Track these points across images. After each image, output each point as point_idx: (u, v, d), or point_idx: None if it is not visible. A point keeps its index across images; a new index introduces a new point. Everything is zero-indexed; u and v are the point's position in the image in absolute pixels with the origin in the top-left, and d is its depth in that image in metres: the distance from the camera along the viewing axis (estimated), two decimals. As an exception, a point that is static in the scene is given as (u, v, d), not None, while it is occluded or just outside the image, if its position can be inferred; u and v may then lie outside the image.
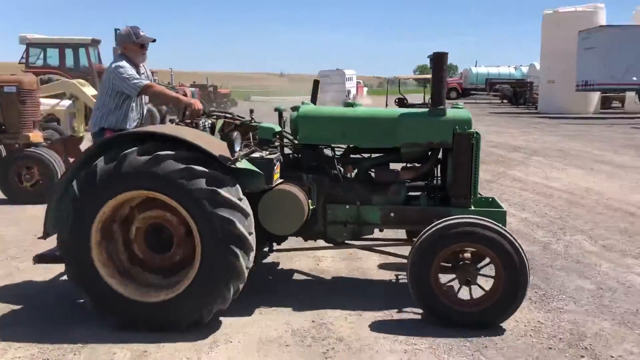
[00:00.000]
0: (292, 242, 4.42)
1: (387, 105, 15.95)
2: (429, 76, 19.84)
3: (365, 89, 51.14)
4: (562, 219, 6.44)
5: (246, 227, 3.43)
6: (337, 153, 4.33)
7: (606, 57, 24.53)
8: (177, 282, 3.58)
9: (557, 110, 28.03)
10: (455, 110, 4.19)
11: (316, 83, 4.98)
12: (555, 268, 4.81)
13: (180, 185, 3.37)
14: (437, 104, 4.07)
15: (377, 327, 3.63)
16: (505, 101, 39.61)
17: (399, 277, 4.60)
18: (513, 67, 47.68)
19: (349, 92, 38.77)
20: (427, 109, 4.17)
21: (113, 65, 4.56)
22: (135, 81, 4.50)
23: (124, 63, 4.54)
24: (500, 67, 48.57)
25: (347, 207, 4.08)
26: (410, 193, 4.25)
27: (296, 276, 4.74)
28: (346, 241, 4.23)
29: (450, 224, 3.58)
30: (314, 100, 4.68)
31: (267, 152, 3.91)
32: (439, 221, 3.66)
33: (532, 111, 31.09)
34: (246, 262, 3.45)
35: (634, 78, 22.97)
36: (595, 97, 29.31)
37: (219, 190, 3.38)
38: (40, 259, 3.99)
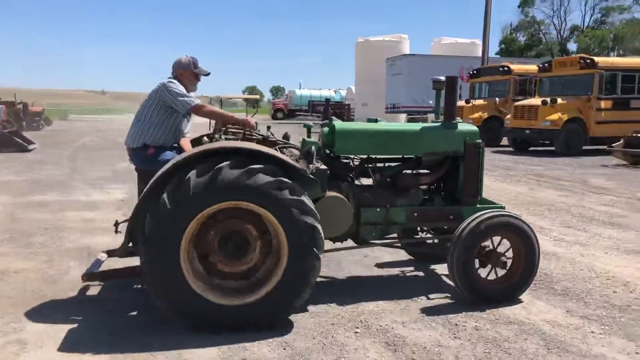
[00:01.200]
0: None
1: (210, 126, 16.22)
2: (255, 96, 20.61)
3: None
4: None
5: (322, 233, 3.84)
6: (355, 163, 4.82)
7: (409, 82, 27.50)
8: (255, 284, 3.89)
9: (371, 129, 30.58)
10: (464, 124, 4.93)
11: (327, 101, 5.59)
12: (346, 260, 5.55)
13: (271, 195, 3.69)
14: (450, 119, 4.78)
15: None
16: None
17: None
18: (333, 90, 50.86)
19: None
20: (441, 123, 4.83)
21: (165, 81, 4.53)
22: (187, 99, 4.47)
23: (176, 82, 4.53)
24: (321, 90, 51.49)
25: (378, 209, 4.60)
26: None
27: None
28: (371, 241, 4.69)
29: (488, 218, 4.31)
30: (326, 116, 5.14)
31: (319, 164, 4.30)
32: (474, 216, 4.34)
33: (350, 131, 33.56)
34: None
35: (431, 102, 26.03)
36: (403, 118, 32.55)
37: (304, 199, 3.77)
38: (89, 277, 4.19)
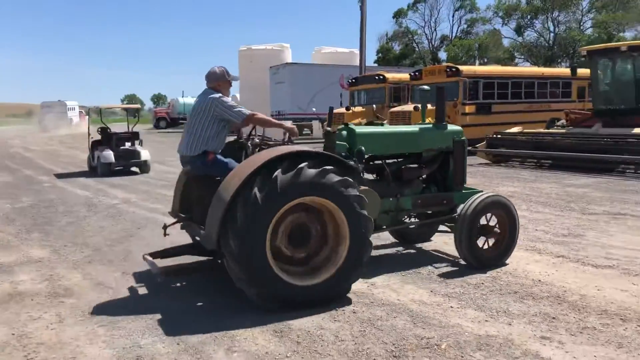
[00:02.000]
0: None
1: (89, 135, 15.78)
2: (136, 106, 20.20)
3: (87, 117, 50.07)
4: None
5: None
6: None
7: (293, 90, 28.18)
8: (316, 268, 4.57)
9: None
10: (452, 125, 6.02)
11: (331, 109, 6.20)
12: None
13: (340, 192, 4.42)
14: (441, 121, 5.84)
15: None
16: (212, 130, 41.71)
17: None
18: (217, 98, 50.49)
19: (71, 120, 45.44)
20: (433, 124, 5.85)
21: (215, 96, 4.89)
22: (240, 109, 4.92)
23: (224, 96, 4.96)
24: (205, 98, 50.91)
25: (391, 199, 5.42)
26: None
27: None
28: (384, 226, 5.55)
29: (484, 199, 5.42)
30: (329, 124, 5.85)
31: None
32: (473, 199, 5.43)
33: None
34: None
35: (314, 109, 26.86)
36: (287, 125, 33.19)
37: (362, 195, 4.56)
38: (167, 273, 4.78)
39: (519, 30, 63.05)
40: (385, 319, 4.23)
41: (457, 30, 69.61)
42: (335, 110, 21.62)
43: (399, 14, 70.84)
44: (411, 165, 5.78)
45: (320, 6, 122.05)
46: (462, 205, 5.51)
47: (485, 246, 5.58)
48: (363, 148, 5.20)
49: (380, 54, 71.50)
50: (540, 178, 12.31)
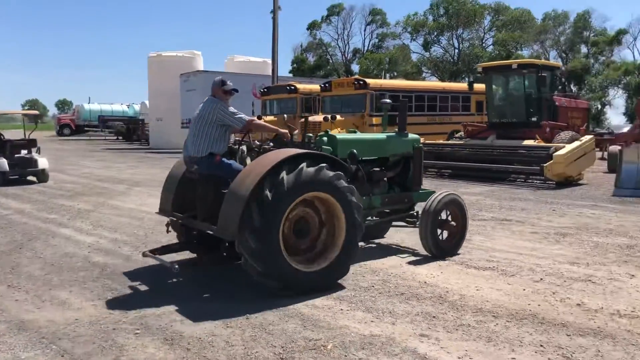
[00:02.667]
0: None
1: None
2: (34, 112, 19.24)
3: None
4: (147, 236, 7.52)
5: None
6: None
7: (204, 98, 27.72)
8: (317, 256, 5.16)
9: (167, 145, 30.25)
10: (412, 134, 6.83)
11: (306, 118, 6.63)
12: (132, 273, 5.74)
13: (334, 185, 5.02)
14: (403, 130, 6.70)
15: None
16: (120, 137, 40.47)
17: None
18: (126, 105, 48.99)
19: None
20: (396, 133, 6.65)
21: (216, 104, 5.41)
22: (241, 116, 5.46)
23: (223, 103, 5.45)
24: (113, 105, 49.26)
25: (364, 197, 5.89)
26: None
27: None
28: None
29: (443, 197, 6.24)
30: (305, 132, 6.16)
31: None
32: (434, 197, 6.24)
33: (145, 147, 32.73)
34: None
35: (224, 117, 26.77)
36: (199, 133, 32.73)
37: (352, 186, 5.20)
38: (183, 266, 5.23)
39: (426, 46, 65.89)
40: (276, 323, 4.34)
41: (368, 44, 71.69)
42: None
43: (313, 26, 71.96)
44: (379, 168, 6.51)
45: (234, 15, 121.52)
46: (425, 203, 6.30)
47: (441, 238, 6.35)
48: (355, 151, 5.95)
49: (295, 65, 72.18)
50: (439, 187, 12.88)
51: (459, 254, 6.40)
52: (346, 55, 73.16)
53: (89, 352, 3.82)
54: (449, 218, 6.38)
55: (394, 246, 6.92)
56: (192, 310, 4.62)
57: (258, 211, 4.64)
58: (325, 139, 5.99)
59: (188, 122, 28.59)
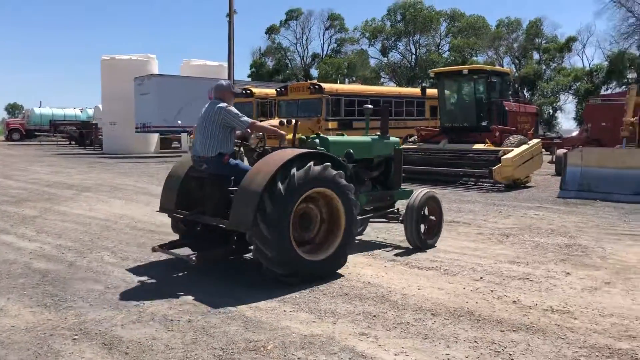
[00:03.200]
0: None
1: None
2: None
3: None
4: (93, 242, 7.39)
5: None
6: None
7: (159, 102, 27.44)
8: (318, 246, 5.66)
9: (121, 150, 29.72)
10: (393, 137, 7.41)
11: (296, 122, 7.02)
12: (75, 279, 5.64)
13: (337, 182, 5.52)
14: (385, 133, 7.28)
15: None
16: (73, 142, 39.52)
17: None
18: (79, 109, 47.89)
19: None
20: (379, 136, 7.23)
21: (223, 106, 5.76)
22: (244, 118, 5.81)
23: (228, 105, 5.80)
24: (66, 109, 48.07)
25: None
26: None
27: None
28: None
29: (424, 194, 6.90)
30: (294, 135, 6.73)
31: None
32: (416, 194, 6.87)
33: (98, 152, 32.07)
34: None
35: (179, 122, 26.42)
36: (155, 137, 32.25)
37: (350, 184, 5.69)
38: (204, 258, 5.58)
39: (384, 51, 66.77)
40: (219, 326, 4.34)
41: (327, 49, 72.10)
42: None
43: (271, 30, 71.95)
44: (365, 168, 7.04)
45: (190, 18, 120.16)
46: (408, 201, 6.90)
47: (425, 230, 6.97)
48: (352, 151, 6.54)
49: (253, 69, 71.99)
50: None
51: (435, 246, 7.07)
52: (305, 60, 73.40)
53: (23, 359, 3.74)
54: (428, 213, 6.99)
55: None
56: (134, 315, 4.58)
57: (271, 203, 5.08)
58: (317, 140, 6.48)
59: (142, 126, 28.23)
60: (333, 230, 5.70)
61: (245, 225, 5.14)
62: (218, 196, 5.84)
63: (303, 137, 6.68)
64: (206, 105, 5.98)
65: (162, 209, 6.36)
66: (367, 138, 7.20)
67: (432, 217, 7.02)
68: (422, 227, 6.93)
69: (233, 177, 5.82)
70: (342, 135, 7.34)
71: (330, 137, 6.67)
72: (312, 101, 19.92)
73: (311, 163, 5.35)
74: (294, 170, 5.21)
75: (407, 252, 6.76)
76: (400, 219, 6.94)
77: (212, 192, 5.91)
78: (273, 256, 5.14)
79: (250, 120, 5.91)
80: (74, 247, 7.04)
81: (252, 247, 5.31)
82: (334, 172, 5.53)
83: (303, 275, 5.35)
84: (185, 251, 5.98)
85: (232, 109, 5.80)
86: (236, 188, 5.49)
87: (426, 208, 6.93)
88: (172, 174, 6.36)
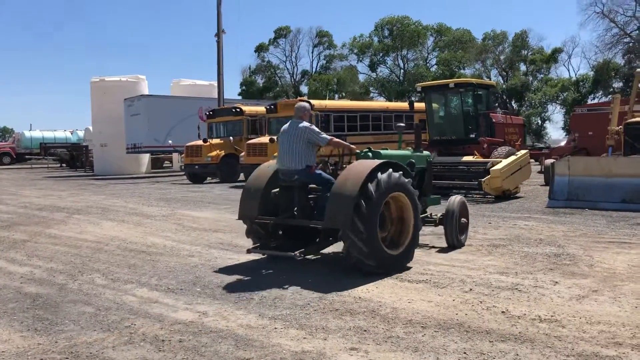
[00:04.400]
0: None
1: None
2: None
3: None
4: (84, 264, 7.38)
5: None
6: None
7: (149, 122, 27.51)
8: (395, 242, 6.63)
9: (112, 171, 29.71)
10: (425, 151, 8.49)
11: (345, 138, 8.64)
12: (65, 302, 5.64)
13: (409, 188, 6.63)
14: (419, 147, 8.31)
15: None
16: (64, 165, 39.42)
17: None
18: (69, 131, 47.81)
19: None
20: (414, 150, 8.25)
21: (307, 125, 6.80)
22: (324, 135, 6.87)
23: (311, 125, 6.88)
24: (56, 131, 47.99)
25: None
26: None
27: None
28: None
29: (460, 200, 7.98)
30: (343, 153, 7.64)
31: None
32: (452, 200, 7.89)
33: (89, 174, 32.00)
34: None
35: (170, 141, 26.49)
36: (146, 158, 32.26)
37: (415, 190, 6.83)
38: (307, 252, 6.73)
39: (372, 67, 67.30)
40: (210, 345, 4.35)
41: (316, 66, 72.59)
42: (191, 143, 21.98)
43: (260, 48, 72.38)
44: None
45: (179, 38, 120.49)
46: (447, 206, 7.82)
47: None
48: (414, 160, 7.62)
49: (244, 87, 72.27)
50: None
51: (464, 245, 8.07)
52: (295, 77, 73.82)
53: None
54: (460, 216, 7.90)
55: (333, 254, 7.04)
56: (125, 336, 4.58)
57: (364, 204, 5.98)
58: (370, 154, 7.29)
59: (133, 147, 28.23)
60: (402, 229, 6.70)
61: (343, 223, 6.01)
62: (305, 202, 6.92)
63: (357, 151, 7.47)
64: (287, 124, 7.01)
65: (242, 217, 7.13)
66: (409, 152, 8.19)
67: (463, 220, 7.93)
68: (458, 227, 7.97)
69: (319, 185, 6.93)
70: (386, 149, 8.08)
71: (383, 152, 7.55)
72: (301, 118, 20.03)
73: (390, 170, 6.33)
74: (380, 176, 6.18)
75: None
76: (437, 222, 7.84)
77: (300, 198, 6.90)
78: (368, 251, 6.04)
79: (328, 137, 6.91)
80: (64, 270, 7.03)
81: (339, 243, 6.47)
82: (407, 179, 6.62)
83: (387, 267, 6.29)
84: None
85: (314, 127, 6.86)
86: (314, 195, 7.00)
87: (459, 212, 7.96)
88: (250, 185, 7.14)
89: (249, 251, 6.93)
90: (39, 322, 5.02)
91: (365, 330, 4.55)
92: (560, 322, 4.64)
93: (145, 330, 4.73)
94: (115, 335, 4.60)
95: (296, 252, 6.36)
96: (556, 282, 5.89)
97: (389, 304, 5.24)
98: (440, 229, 7.99)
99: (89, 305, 5.52)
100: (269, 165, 7.29)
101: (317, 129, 6.85)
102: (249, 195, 7.06)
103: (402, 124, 8.88)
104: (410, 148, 8.61)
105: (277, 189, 7.06)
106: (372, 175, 6.13)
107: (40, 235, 9.80)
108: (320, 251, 7.29)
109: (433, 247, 7.97)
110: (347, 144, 7.36)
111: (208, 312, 5.19)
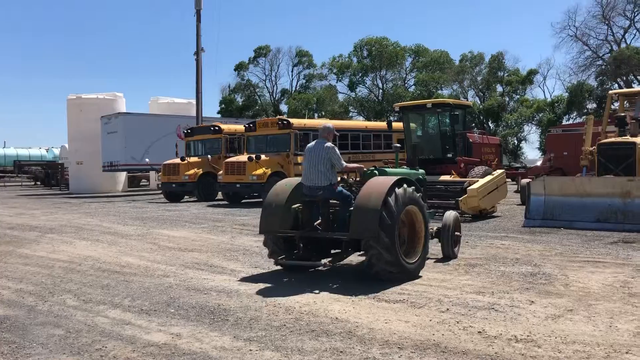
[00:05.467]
0: None
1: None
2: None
3: None
4: (55, 284, 7.21)
5: None
6: None
7: (127, 140, 27.27)
8: (408, 252, 7.15)
9: (88, 189, 29.32)
10: (419, 169, 9.20)
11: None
12: (34, 324, 5.48)
13: (421, 202, 7.35)
14: (414, 165, 9.39)
15: None
16: (38, 183, 38.80)
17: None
18: (45, 149, 47.16)
19: None
20: (411, 168, 9.15)
21: (330, 146, 7.40)
22: (342, 162, 7.45)
23: (335, 147, 7.46)
24: (31, 149, 47.30)
25: None
26: None
27: None
28: None
29: (454, 215, 8.66)
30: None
31: None
32: (447, 215, 8.58)
33: (64, 192, 31.52)
34: None
35: (147, 160, 26.25)
36: (123, 176, 31.90)
37: (425, 203, 7.57)
38: (333, 261, 7.29)
39: (351, 86, 67.72)
40: (182, 368, 4.25)
41: (296, 85, 72.82)
42: (169, 161, 21.88)
43: (240, 67, 72.46)
44: None
45: (158, 56, 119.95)
46: (443, 220, 8.46)
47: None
48: (422, 177, 8.89)
49: (223, 105, 72.11)
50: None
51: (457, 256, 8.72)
52: (274, 96, 73.94)
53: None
54: (454, 230, 8.51)
55: (310, 274, 6.98)
56: (95, 359, 4.46)
57: (387, 216, 6.56)
58: (376, 172, 7.88)
59: (109, 165, 27.91)
60: (414, 240, 7.31)
61: (370, 234, 6.57)
62: (326, 217, 7.39)
63: (365, 169, 8.08)
64: (313, 143, 7.58)
65: (265, 232, 7.57)
66: (408, 170, 8.91)
67: (457, 233, 8.54)
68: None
69: (339, 201, 7.46)
70: (388, 167, 8.87)
71: (388, 169, 8.30)
72: (280, 136, 20.04)
73: (405, 185, 7.00)
74: (398, 190, 6.82)
75: (374, 284, 6.75)
76: (433, 235, 8.26)
77: (323, 213, 7.39)
78: (391, 259, 6.60)
79: (344, 163, 7.51)
80: (34, 291, 6.85)
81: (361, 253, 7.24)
82: (419, 194, 7.33)
83: (406, 274, 6.86)
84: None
85: (337, 150, 7.43)
86: (332, 209, 7.47)
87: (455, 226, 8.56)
88: (270, 202, 7.58)
89: (276, 263, 7.48)
90: (5, 345, 4.86)
91: (341, 352, 4.49)
92: (536, 342, 4.64)
93: (117, 352, 4.61)
94: (85, 358, 4.48)
95: (325, 261, 7.08)
96: (532, 302, 5.91)
97: (365, 325, 5.20)
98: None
99: (58, 327, 5.38)
100: (287, 183, 7.84)
101: (338, 153, 7.45)
102: (270, 211, 7.52)
103: (398, 145, 9.84)
104: (405, 166, 9.44)
105: (298, 205, 7.56)
106: (391, 190, 6.73)
107: (10, 255, 9.57)
108: (340, 261, 7.71)
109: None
110: (357, 166, 8.08)
111: (182, 333, 5.08)
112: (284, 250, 7.53)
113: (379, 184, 6.90)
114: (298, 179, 7.86)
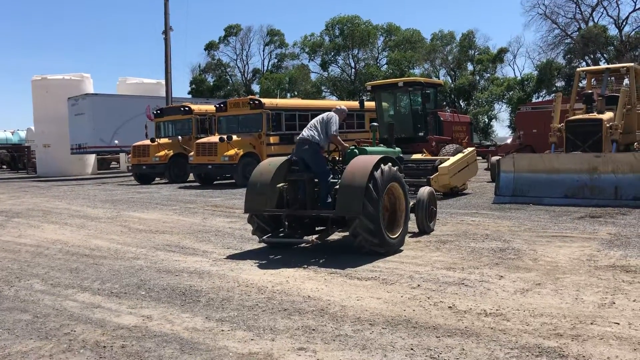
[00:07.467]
0: None
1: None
2: None
3: None
4: (22, 269, 7.06)
5: None
6: None
7: (95, 122, 26.72)
8: (391, 228, 7.40)
9: (56, 172, 28.74)
10: (397, 148, 9.27)
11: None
12: (0, 310, 5.36)
13: (401, 179, 7.63)
14: (391, 144, 9.20)
15: None
16: (4, 166, 37.94)
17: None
18: (10, 132, 45.96)
19: None
20: (387, 147, 9.11)
21: (333, 115, 8.00)
22: (335, 129, 7.83)
23: (336, 117, 7.99)
24: (-4, 132, 46.07)
25: None
26: None
27: None
28: None
29: (429, 190, 8.99)
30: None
31: None
32: (422, 190, 8.89)
33: (32, 175, 30.86)
34: None
35: (116, 142, 25.80)
36: (92, 158, 31.34)
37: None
38: (320, 238, 7.48)
39: (324, 66, 67.33)
40: (153, 350, 4.21)
41: (268, 64, 72.12)
42: (138, 143, 21.54)
43: (210, 46, 71.38)
44: None
45: (126, 36, 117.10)
46: (418, 195, 8.71)
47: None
48: (402, 155, 9.10)
49: (194, 86, 71.11)
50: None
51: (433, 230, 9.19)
52: (246, 76, 73.15)
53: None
54: (430, 204, 8.82)
55: (282, 254, 6.98)
56: (63, 343, 4.39)
57: (374, 192, 6.84)
58: (356, 151, 8.03)
59: (78, 147, 27.36)
60: (395, 216, 7.58)
61: (356, 210, 6.79)
62: (312, 194, 7.56)
63: (351, 147, 8.27)
64: (326, 113, 8.08)
65: (250, 210, 7.68)
66: (388, 148, 9.00)
67: (432, 207, 8.88)
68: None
69: (317, 172, 7.65)
70: (367, 146, 8.96)
71: (368, 148, 8.50)
72: (252, 116, 19.85)
73: (390, 163, 7.32)
74: (383, 167, 7.10)
75: (347, 262, 6.78)
76: (410, 210, 8.21)
77: (310, 191, 7.54)
78: (374, 229, 6.82)
79: (337, 133, 7.89)
80: (0, 277, 6.70)
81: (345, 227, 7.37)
82: (398, 171, 7.57)
83: (387, 247, 7.08)
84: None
85: (337, 120, 7.93)
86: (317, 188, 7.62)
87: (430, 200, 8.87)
88: (255, 181, 7.71)
89: (261, 241, 7.55)
90: (-30, 332, 4.75)
91: (313, 330, 4.50)
92: (504, 315, 4.72)
93: (86, 336, 4.55)
94: (53, 343, 4.41)
95: (311, 238, 7.32)
96: (501, 277, 6.00)
97: (337, 302, 5.22)
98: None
99: (25, 312, 5.28)
100: (270, 163, 7.95)
101: (337, 123, 7.93)
102: (254, 191, 7.65)
103: (375, 124, 9.91)
104: (382, 145, 9.53)
105: (283, 184, 7.69)
106: (376, 166, 7.02)
107: (-24, 240, 9.33)
108: (326, 239, 7.78)
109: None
110: (344, 145, 8.23)
111: (153, 315, 5.03)
112: (270, 228, 7.65)
113: (364, 161, 7.17)
114: (282, 159, 8.01)
